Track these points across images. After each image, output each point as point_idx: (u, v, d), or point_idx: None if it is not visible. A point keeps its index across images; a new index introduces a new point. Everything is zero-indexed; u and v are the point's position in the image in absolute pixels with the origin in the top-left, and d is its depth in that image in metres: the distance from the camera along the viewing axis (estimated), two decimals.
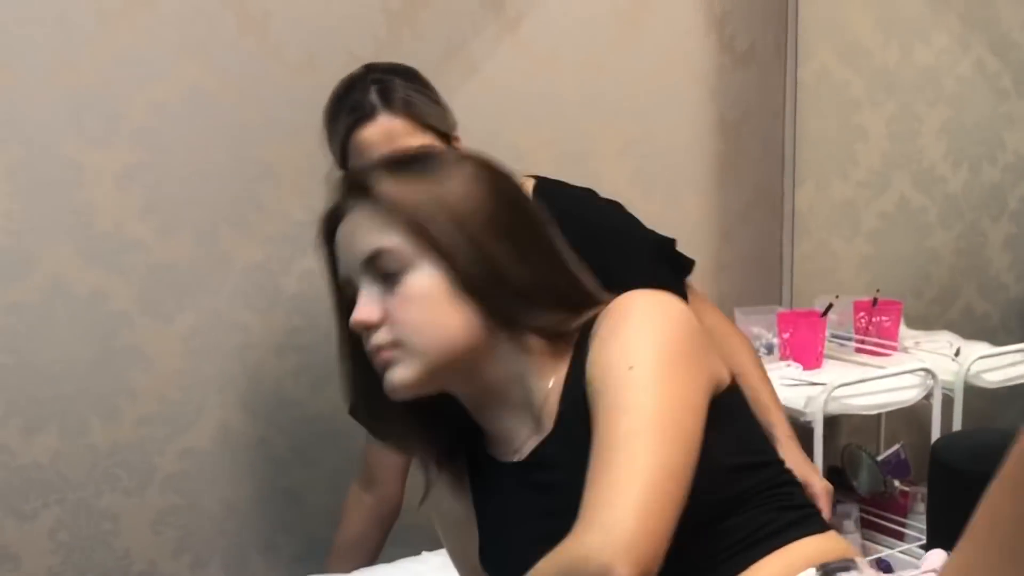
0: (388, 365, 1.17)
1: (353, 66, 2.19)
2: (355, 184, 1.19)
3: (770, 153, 2.76)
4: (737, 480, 1.15)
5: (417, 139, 1.65)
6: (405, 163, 1.21)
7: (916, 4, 2.92)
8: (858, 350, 2.54)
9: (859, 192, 2.89)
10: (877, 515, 2.55)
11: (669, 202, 2.61)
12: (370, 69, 1.75)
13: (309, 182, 2.12)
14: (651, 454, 1.03)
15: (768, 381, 1.82)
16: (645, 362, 1.09)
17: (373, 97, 1.67)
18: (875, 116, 2.86)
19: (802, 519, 1.19)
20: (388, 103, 1.67)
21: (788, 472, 1.23)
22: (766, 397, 1.78)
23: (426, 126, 1.67)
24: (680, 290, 1.80)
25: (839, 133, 2.85)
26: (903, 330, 2.60)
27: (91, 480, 2.09)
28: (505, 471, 1.24)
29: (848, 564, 1.15)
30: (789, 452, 1.71)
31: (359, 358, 1.21)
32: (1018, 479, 0.69)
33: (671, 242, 1.86)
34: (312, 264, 1.32)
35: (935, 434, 2.33)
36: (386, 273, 1.15)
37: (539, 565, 1.05)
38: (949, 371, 2.41)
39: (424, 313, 1.15)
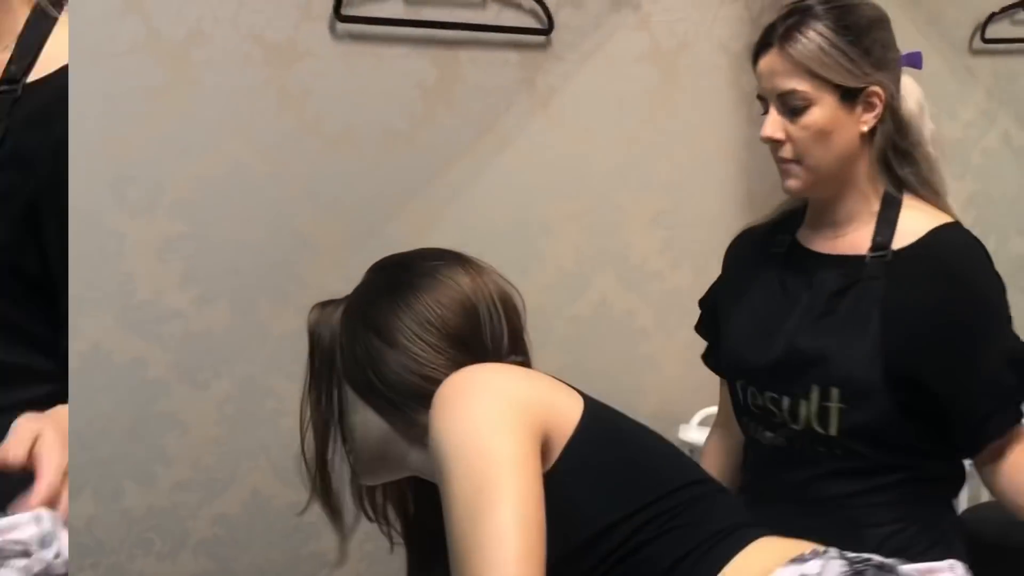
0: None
1: (389, 141, 2.27)
2: None
3: None
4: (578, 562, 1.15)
5: (799, 83, 1.59)
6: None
7: (943, 78, 2.94)
8: None
9: None
10: None
11: (698, 273, 2.62)
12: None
13: (345, 253, 2.17)
14: (485, 561, 1.05)
15: None
16: (450, 461, 1.12)
17: (778, 28, 1.61)
18: None
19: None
20: (782, 40, 1.60)
21: (657, 517, 1.18)
22: None
23: (814, 75, 1.59)
24: (1019, 407, 1.64)
25: None
26: None
27: (125, 544, 2.12)
28: None
29: None
30: None
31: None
32: None
33: None
34: None
35: (962, 505, 2.31)
36: None
37: None
38: None
39: (344, 421, 1.35)
